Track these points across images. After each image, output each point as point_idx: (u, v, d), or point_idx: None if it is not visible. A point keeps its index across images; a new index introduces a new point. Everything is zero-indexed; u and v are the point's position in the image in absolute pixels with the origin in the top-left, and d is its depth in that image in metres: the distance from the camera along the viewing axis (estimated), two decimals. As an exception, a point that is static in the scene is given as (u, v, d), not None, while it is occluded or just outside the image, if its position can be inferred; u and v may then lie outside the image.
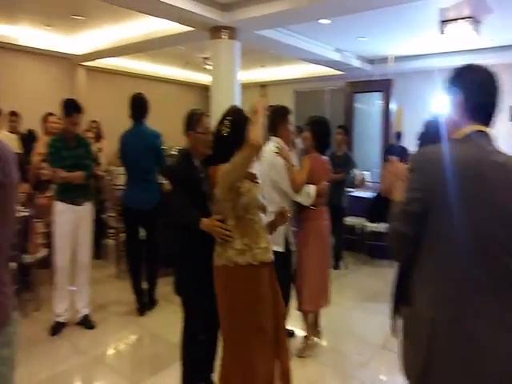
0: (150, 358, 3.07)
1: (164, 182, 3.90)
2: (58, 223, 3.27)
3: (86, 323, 3.42)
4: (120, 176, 5.56)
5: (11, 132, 5.18)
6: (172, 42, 6.94)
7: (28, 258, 3.64)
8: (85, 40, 7.59)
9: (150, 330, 3.46)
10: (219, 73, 6.07)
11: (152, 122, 3.92)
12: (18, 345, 1.38)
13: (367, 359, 3.03)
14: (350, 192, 5.27)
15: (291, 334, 3.28)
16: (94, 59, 8.18)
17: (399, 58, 7.91)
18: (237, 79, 6.08)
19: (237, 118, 2.14)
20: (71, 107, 3.28)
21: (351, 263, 5.28)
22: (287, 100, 9.68)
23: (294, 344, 3.12)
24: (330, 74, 9.31)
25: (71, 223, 3.29)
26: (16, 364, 1.42)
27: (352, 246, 5.50)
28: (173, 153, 7.46)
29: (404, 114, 6.49)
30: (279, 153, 2.88)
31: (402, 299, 1.40)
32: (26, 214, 3.65)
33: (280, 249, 2.96)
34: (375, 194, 4.15)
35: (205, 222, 2.06)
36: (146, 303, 3.80)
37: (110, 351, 3.20)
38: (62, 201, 3.28)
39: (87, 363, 2.96)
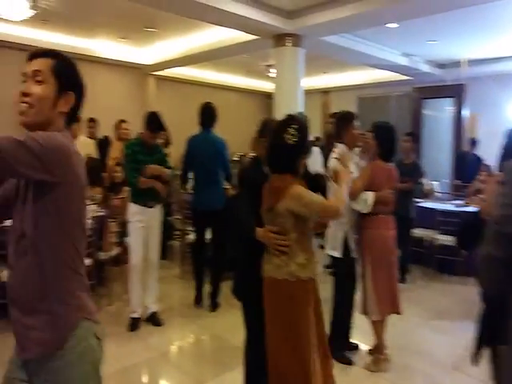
0: (214, 359, 3.13)
1: (228, 186, 4.02)
2: (132, 224, 3.46)
3: (155, 320, 3.57)
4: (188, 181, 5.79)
5: (89, 137, 5.57)
6: (237, 51, 7.11)
7: (103, 255, 3.88)
8: (155, 51, 8.00)
9: (213, 332, 3.53)
10: (283, 80, 6.11)
11: (215, 129, 4.08)
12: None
13: (437, 380, 2.86)
14: (418, 202, 5.04)
15: (355, 347, 3.18)
16: (163, 69, 8.58)
17: (473, 62, 7.48)
18: (300, 86, 6.09)
19: (302, 127, 2.12)
20: (157, 124, 3.46)
21: (418, 278, 5.03)
22: (351, 106, 9.48)
23: (359, 357, 3.04)
24: (396, 79, 9.02)
25: (144, 224, 3.47)
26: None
27: (420, 260, 5.23)
28: (234, 159, 7.63)
29: (478, 121, 6.10)
30: (339, 159, 2.86)
31: (493, 335, 1.26)
32: (102, 214, 3.89)
33: (337, 254, 2.94)
34: (467, 214, 3.88)
35: (260, 232, 2.06)
36: (210, 304, 3.94)
37: (176, 349, 3.32)
38: (135, 203, 3.46)
39: (154, 359, 3.09)
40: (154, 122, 3.46)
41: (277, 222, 2.00)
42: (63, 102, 1.25)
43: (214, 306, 3.94)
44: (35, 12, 5.21)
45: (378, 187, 2.86)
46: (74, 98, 1.27)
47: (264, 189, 2.10)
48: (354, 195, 2.81)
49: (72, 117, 1.31)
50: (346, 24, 5.52)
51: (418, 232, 5.12)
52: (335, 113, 4.69)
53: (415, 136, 5.30)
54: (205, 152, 3.86)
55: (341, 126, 3.00)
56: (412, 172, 4.63)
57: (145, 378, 2.98)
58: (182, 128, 8.13)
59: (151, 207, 3.49)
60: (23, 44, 6.61)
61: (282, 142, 2.02)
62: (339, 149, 2.95)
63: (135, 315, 3.49)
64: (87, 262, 3.63)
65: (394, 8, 4.87)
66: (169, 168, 3.61)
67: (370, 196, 2.83)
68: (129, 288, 3.52)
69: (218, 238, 3.97)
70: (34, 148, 1.07)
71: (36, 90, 1.20)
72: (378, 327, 2.98)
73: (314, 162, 3.52)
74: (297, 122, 2.11)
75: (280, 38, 5.90)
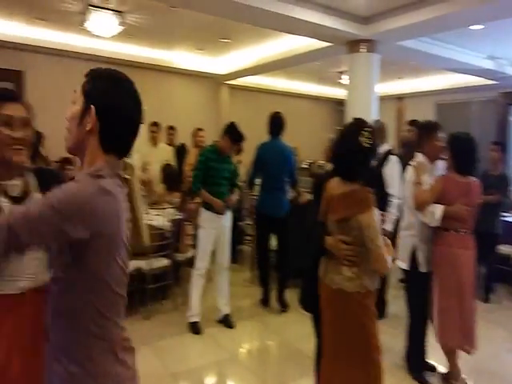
0: (283, 365, 3.14)
1: (303, 192, 4.07)
2: (203, 229, 3.59)
3: (226, 322, 3.67)
4: (256, 186, 5.89)
5: (169, 144, 5.89)
6: (309, 58, 7.11)
7: (179, 257, 4.07)
8: (229, 60, 8.26)
9: (283, 338, 3.54)
10: (356, 86, 5.99)
11: (286, 136, 4.16)
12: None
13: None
14: (505, 217, 4.65)
15: (432, 368, 3.00)
16: (236, 78, 8.82)
17: None
18: (374, 93, 5.93)
19: (373, 131, 2.06)
20: (239, 135, 3.59)
21: (504, 297, 4.63)
22: (428, 113, 9.07)
23: (437, 379, 2.87)
24: (479, 83, 8.43)
25: (214, 230, 3.58)
26: (161, 351, 1.52)
27: (506, 278, 4.82)
28: (303, 166, 7.61)
29: None
30: (416, 167, 2.76)
31: None
32: (180, 217, 4.09)
33: (404, 266, 2.83)
34: None
35: (329, 240, 2.01)
36: (279, 305, 4.04)
37: (246, 352, 3.38)
38: (207, 209, 3.58)
39: (224, 360, 3.16)
40: (236, 133, 3.58)
41: (350, 234, 1.93)
42: (87, 118, 1.09)
43: (283, 306, 4.03)
44: (123, 28, 5.65)
45: (450, 202, 2.65)
46: (96, 112, 1.08)
47: (331, 195, 2.02)
48: (421, 206, 2.67)
49: (108, 139, 1.11)
50: (425, 27, 5.29)
51: (504, 249, 4.71)
52: (413, 120, 4.52)
53: (504, 145, 4.91)
54: (272, 159, 3.99)
55: (423, 135, 2.87)
56: (499, 184, 4.30)
57: (214, 379, 3.06)
58: (253, 135, 8.26)
59: (221, 214, 3.59)
60: (111, 58, 7.17)
61: (357, 146, 1.92)
62: (418, 158, 2.85)
63: (194, 319, 3.57)
64: (165, 262, 3.84)
65: (480, 9, 4.57)
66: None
67: (438, 209, 2.64)
68: (190, 292, 3.63)
69: (282, 245, 4.04)
70: (47, 216, 0.98)
71: (68, 112, 1.13)
72: (450, 354, 2.78)
73: (392, 171, 3.41)
74: (368, 125, 2.05)
75: (354, 44, 5.81)
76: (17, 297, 1.38)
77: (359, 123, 2.02)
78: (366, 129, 1.94)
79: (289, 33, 5.88)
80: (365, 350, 1.95)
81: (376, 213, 1.91)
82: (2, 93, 1.45)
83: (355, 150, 1.94)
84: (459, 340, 2.67)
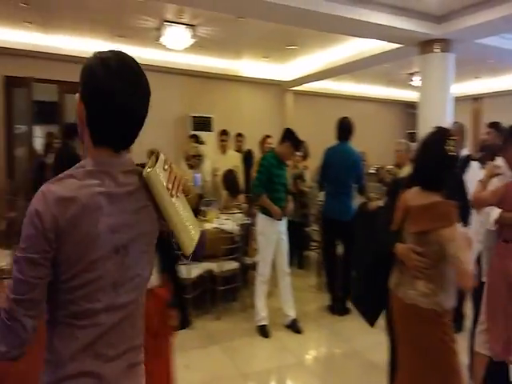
0: (352, 374, 3.08)
1: (373, 197, 4.00)
2: (262, 235, 3.64)
3: (294, 327, 3.68)
4: (321, 192, 5.86)
5: (237, 151, 6.06)
6: (378, 61, 6.95)
7: (247, 260, 4.18)
8: (294, 67, 8.32)
9: (351, 346, 3.48)
10: (429, 88, 5.74)
11: (352, 140, 4.11)
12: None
13: None
14: None
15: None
16: (302, 84, 8.85)
17: None
18: (449, 94, 5.65)
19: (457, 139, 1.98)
20: (299, 140, 3.65)
21: None
22: (507, 114, 8.43)
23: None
24: None
25: (274, 236, 3.62)
26: (231, 351, 1.61)
27: None
28: (371, 171, 7.42)
29: None
30: (488, 168, 2.60)
31: None
32: (248, 222, 4.20)
33: None
34: None
35: (400, 248, 1.93)
36: (339, 309, 4.03)
37: (314, 358, 3.38)
38: (264, 214, 3.62)
39: (292, 365, 3.18)
40: (296, 138, 3.62)
41: (429, 248, 1.84)
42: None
43: (343, 311, 3.97)
44: (194, 41, 5.93)
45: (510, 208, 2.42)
46: (81, 98, 0.99)
47: (409, 206, 1.93)
48: (478, 205, 2.51)
49: (96, 129, 0.99)
50: (505, 24, 4.95)
51: None
52: (493, 122, 4.23)
53: None
54: (339, 163, 3.98)
55: (506, 139, 2.69)
56: None
57: (281, 382, 3.09)
58: (318, 140, 8.24)
59: (280, 220, 3.62)
60: (182, 69, 7.56)
61: (442, 156, 1.87)
62: (497, 162, 2.66)
63: (263, 323, 3.62)
64: (234, 265, 3.96)
65: None
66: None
67: (494, 212, 2.44)
68: (254, 297, 3.68)
69: (348, 250, 4.01)
70: (19, 266, 0.91)
71: None
72: (479, 363, 2.53)
73: (473, 178, 3.20)
74: (452, 132, 1.97)
75: (427, 45, 5.58)
76: None
77: (443, 131, 1.95)
78: (450, 137, 1.89)
79: (357, 36, 5.81)
80: (445, 368, 1.86)
81: (459, 227, 1.82)
82: None
83: (440, 159, 1.88)
84: (504, 353, 2.46)
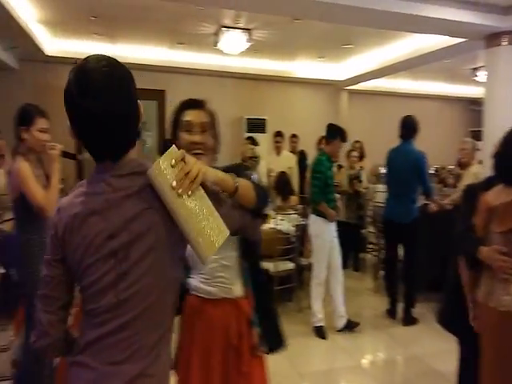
0: (413, 381, 3.01)
1: (437, 200, 3.89)
2: (318, 238, 3.65)
3: (350, 325, 3.67)
4: (378, 193, 5.74)
5: (291, 152, 6.09)
6: (439, 57, 6.67)
7: (303, 261, 4.20)
8: (349, 66, 8.19)
9: (412, 352, 3.39)
10: (495, 83, 5.42)
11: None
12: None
13: None
14: None
15: None
16: (357, 83, 8.69)
17: None
18: (518, 89, 5.31)
19: None
20: (345, 133, 3.67)
21: None
22: None
23: None
24: None
25: (329, 237, 3.62)
26: (288, 351, 1.62)
27: None
28: (430, 172, 7.13)
29: None
30: None
31: None
32: (303, 223, 4.22)
33: None
34: None
35: (485, 251, 1.84)
36: (404, 319, 3.87)
37: (372, 362, 3.34)
38: (319, 216, 3.62)
39: (349, 367, 3.17)
40: (344, 131, 3.66)
41: (499, 240, 1.77)
42: None
43: (408, 321, 3.84)
44: (250, 44, 6.04)
45: None
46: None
47: (492, 206, 1.85)
48: None
49: (82, 143, 1.00)
50: None
51: None
52: None
53: None
54: (399, 164, 3.89)
55: None
56: None
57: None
58: (374, 140, 8.09)
59: (332, 221, 3.63)
60: (238, 72, 7.72)
61: None
62: None
63: (319, 324, 3.63)
64: (290, 266, 4.01)
65: None
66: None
67: None
68: (310, 299, 3.69)
69: (409, 253, 3.89)
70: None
71: None
72: None
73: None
74: None
75: (493, 38, 5.28)
76: (206, 301, 1.53)
77: None
78: None
79: (417, 32, 5.63)
80: None
81: None
82: (185, 102, 1.51)
83: None
84: None
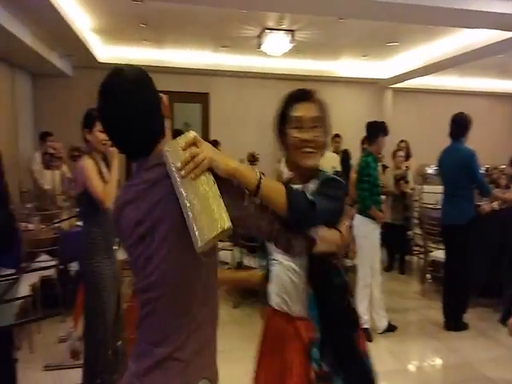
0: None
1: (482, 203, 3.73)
2: (365, 239, 3.59)
3: (391, 326, 3.63)
4: (424, 194, 5.59)
5: (334, 152, 6.05)
6: (491, 52, 6.39)
7: (347, 262, 4.16)
8: (394, 64, 8.01)
9: (463, 358, 3.28)
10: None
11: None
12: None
13: None
14: None
15: None
16: (403, 81, 8.48)
17: None
18: None
19: None
20: (386, 127, 3.64)
21: None
22: None
23: None
24: None
25: (376, 239, 3.60)
26: None
27: None
28: (480, 171, 6.83)
29: None
30: None
31: None
32: (347, 223, 4.17)
33: None
34: None
35: None
36: (453, 324, 3.74)
37: (421, 367, 3.27)
38: (367, 217, 3.57)
39: (397, 371, 3.11)
40: (386, 127, 3.62)
41: None
42: None
43: (458, 327, 3.71)
44: (293, 45, 6.06)
45: None
46: None
47: None
48: None
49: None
50: None
51: None
52: None
53: None
54: (449, 164, 3.79)
55: None
56: None
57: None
58: (420, 139, 7.88)
59: (381, 223, 3.62)
60: (281, 73, 7.75)
61: None
62: None
63: (365, 325, 3.55)
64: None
65: None
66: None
67: None
68: (356, 301, 3.60)
69: (459, 256, 3.72)
70: None
71: None
72: None
73: None
74: None
75: (552, 30, 5.01)
76: (271, 311, 1.48)
77: None
78: None
79: (467, 27, 5.44)
80: None
81: None
82: (293, 93, 1.40)
83: None
84: None
